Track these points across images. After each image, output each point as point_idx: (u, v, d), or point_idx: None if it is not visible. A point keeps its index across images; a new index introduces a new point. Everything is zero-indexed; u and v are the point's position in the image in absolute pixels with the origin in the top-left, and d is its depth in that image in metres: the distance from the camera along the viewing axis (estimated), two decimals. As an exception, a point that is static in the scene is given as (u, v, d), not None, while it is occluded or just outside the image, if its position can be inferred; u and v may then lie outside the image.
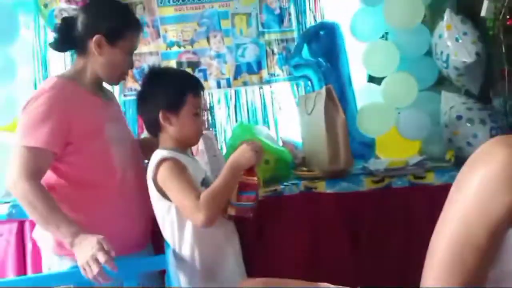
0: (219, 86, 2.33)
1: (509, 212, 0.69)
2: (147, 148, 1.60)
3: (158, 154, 1.44)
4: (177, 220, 1.42)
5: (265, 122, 2.33)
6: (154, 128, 1.49)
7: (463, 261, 0.72)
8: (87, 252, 1.25)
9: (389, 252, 1.76)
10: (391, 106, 2.15)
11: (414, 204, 1.80)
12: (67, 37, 1.49)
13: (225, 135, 2.34)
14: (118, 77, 1.54)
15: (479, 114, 1.95)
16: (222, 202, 1.39)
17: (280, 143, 2.16)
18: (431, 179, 1.83)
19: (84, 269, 1.25)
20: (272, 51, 2.32)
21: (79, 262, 1.27)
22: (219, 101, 2.33)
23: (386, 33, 2.21)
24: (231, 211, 1.45)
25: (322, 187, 1.85)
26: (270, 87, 2.34)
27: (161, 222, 1.47)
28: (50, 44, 1.57)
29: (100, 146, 1.46)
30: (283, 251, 1.73)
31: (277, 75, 2.32)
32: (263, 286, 1.10)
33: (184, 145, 1.50)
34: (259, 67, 2.31)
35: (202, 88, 1.54)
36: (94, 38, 1.44)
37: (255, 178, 1.43)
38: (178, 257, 1.43)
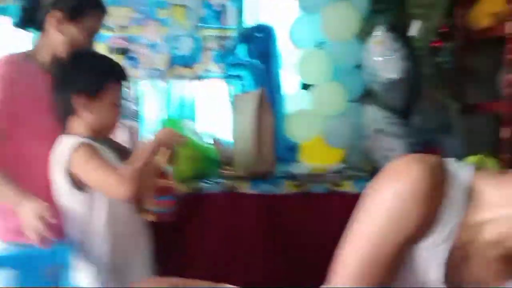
0: (150, 76, 2.26)
1: (417, 228, 0.70)
2: None
3: (69, 141, 1.35)
4: (89, 214, 1.36)
5: (195, 118, 2.29)
6: (65, 112, 1.40)
7: (371, 277, 0.73)
8: (32, 211, 1.24)
9: (303, 254, 1.80)
10: (318, 114, 2.21)
11: (331, 210, 1.85)
12: (29, 14, 1.42)
13: (152, 128, 2.28)
14: None
15: (398, 130, 2.04)
16: (143, 180, 1.34)
17: (210, 141, 2.14)
18: (349, 187, 1.89)
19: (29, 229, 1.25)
20: (208, 47, 2.29)
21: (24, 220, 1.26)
22: (147, 93, 2.27)
23: (322, 42, 2.26)
24: (150, 217, 1.41)
25: (245, 187, 1.86)
26: (203, 83, 2.32)
27: (69, 216, 1.39)
28: (14, 23, 1.48)
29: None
30: (200, 249, 1.71)
31: (212, 72, 2.30)
32: (160, 286, 1.07)
33: (97, 134, 1.41)
34: (194, 61, 2.27)
35: (125, 77, 1.47)
36: (53, 14, 1.37)
37: (171, 182, 1.40)
38: (83, 253, 1.37)
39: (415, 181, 0.68)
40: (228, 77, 2.29)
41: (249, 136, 1.94)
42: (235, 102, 2.10)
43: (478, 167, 0.74)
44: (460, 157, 1.95)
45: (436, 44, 2.17)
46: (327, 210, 1.85)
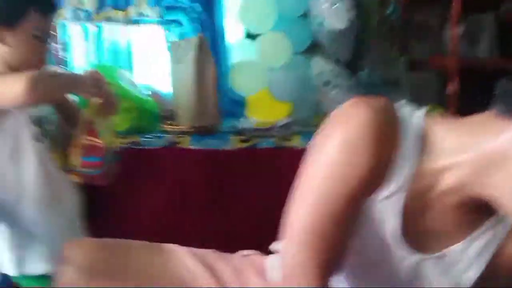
0: (77, 18, 2.00)
1: (370, 177, 0.63)
2: None
3: None
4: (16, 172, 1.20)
5: (131, 67, 2.08)
6: None
7: (322, 233, 0.66)
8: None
9: (251, 211, 1.72)
10: (264, 65, 2.09)
11: (279, 165, 1.77)
12: None
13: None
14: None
15: (346, 82, 1.99)
16: (50, 88, 1.18)
17: (147, 92, 1.95)
18: (297, 142, 1.82)
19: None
20: (143, -13, 2.05)
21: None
22: (76, 37, 2.00)
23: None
24: (76, 178, 1.25)
25: (186, 142, 1.72)
26: (138, 28, 2.09)
27: None
28: None
29: None
30: (140, 208, 1.58)
31: (147, 16, 2.07)
32: (94, 247, 0.96)
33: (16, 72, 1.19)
34: (127, 3, 2.03)
35: (52, 7, 1.25)
36: None
37: (99, 141, 1.24)
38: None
39: (364, 125, 0.62)
40: (165, 22, 2.08)
41: (189, 87, 1.80)
42: (172, 49, 1.93)
43: (429, 113, 0.68)
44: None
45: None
46: (275, 166, 1.77)
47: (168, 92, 1.95)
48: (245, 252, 1.07)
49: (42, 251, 1.23)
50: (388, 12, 2.05)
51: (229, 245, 1.12)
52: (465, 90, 1.82)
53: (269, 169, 1.76)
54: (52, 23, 1.26)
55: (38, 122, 1.23)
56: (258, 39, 2.10)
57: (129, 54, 2.07)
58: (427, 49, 2.13)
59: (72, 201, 1.31)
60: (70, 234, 1.25)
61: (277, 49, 2.08)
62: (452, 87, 1.75)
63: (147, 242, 1.11)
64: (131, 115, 1.73)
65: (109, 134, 1.31)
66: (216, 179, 1.70)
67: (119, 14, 2.00)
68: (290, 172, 1.75)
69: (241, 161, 1.74)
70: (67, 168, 1.26)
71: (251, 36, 2.18)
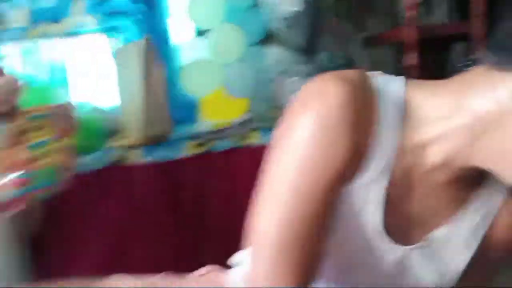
0: (10, 38, 1.87)
1: (346, 163, 0.53)
2: None
3: None
4: None
5: (68, 83, 1.94)
6: None
7: (297, 236, 0.54)
8: None
9: (213, 220, 1.62)
10: (218, 62, 1.98)
11: (238, 166, 1.67)
12: None
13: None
14: None
15: (305, 69, 1.88)
16: None
17: (89, 109, 1.83)
18: (256, 138, 1.72)
19: None
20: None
21: None
22: (10, 57, 1.87)
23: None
24: None
25: (138, 156, 1.62)
26: (77, 39, 1.97)
27: None
28: None
29: None
30: (87, 240, 1.46)
31: (86, 26, 1.95)
32: None
33: None
34: (62, 15, 1.90)
35: None
36: None
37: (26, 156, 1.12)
38: None
39: (336, 105, 0.52)
40: (106, 30, 1.95)
41: (137, 94, 1.69)
42: (117, 56, 1.82)
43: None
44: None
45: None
46: (235, 167, 1.67)
47: (115, 106, 1.83)
48: (203, 269, 0.97)
49: None
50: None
51: (191, 263, 1.03)
52: (425, 61, 1.72)
53: (228, 171, 1.66)
54: None
55: None
56: (209, 34, 1.99)
57: (67, 70, 1.94)
58: (380, 23, 2.03)
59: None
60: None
61: (230, 43, 1.98)
62: (409, 59, 1.64)
63: (83, 279, 1.01)
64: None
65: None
66: (173, 193, 1.60)
67: (54, 27, 1.88)
68: (251, 171, 1.67)
69: (198, 168, 1.63)
70: None
71: (202, 33, 2.07)
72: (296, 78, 1.89)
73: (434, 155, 0.55)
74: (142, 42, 1.73)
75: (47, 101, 1.64)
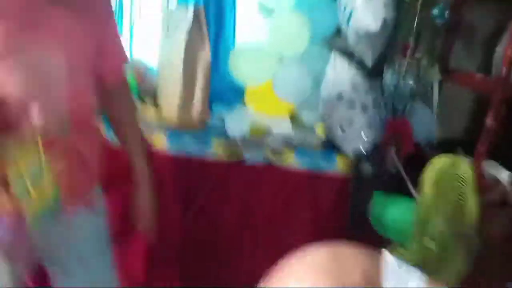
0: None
1: None
2: None
3: None
4: None
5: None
6: None
7: None
8: None
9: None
10: (274, 53, 1.75)
11: (267, 183, 1.48)
12: None
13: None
14: None
15: (363, 98, 1.63)
16: None
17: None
18: (290, 160, 1.51)
19: None
20: None
21: None
22: None
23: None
24: None
25: (160, 139, 1.44)
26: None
27: None
28: None
29: None
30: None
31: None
32: None
33: None
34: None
35: None
36: None
37: None
38: None
39: None
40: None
41: (175, 68, 1.48)
42: (164, 18, 1.61)
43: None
44: (432, 134, 1.60)
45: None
46: (262, 184, 1.48)
47: (153, 67, 1.65)
48: None
49: None
50: (434, 13, 1.67)
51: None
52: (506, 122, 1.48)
53: (254, 185, 1.48)
54: None
55: None
56: (273, 17, 1.75)
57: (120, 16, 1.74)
58: (470, 61, 1.76)
59: None
60: None
61: (292, 32, 1.73)
62: (493, 116, 1.40)
63: None
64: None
65: None
66: (187, 193, 1.43)
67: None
68: (273, 195, 1.47)
69: (221, 173, 1.45)
70: None
71: (265, 10, 1.83)
72: (349, 107, 1.64)
73: None
74: (190, 10, 1.49)
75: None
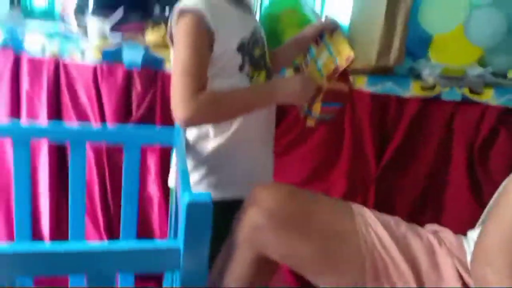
0: None
1: None
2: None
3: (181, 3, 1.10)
4: None
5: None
6: None
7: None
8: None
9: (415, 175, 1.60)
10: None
11: (466, 122, 1.57)
12: None
13: (261, 1, 2.00)
14: None
15: None
16: (220, 118, 1.12)
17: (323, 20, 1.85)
18: (489, 96, 1.58)
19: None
20: None
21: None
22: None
23: None
24: (310, 123, 1.19)
25: (362, 83, 1.61)
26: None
27: None
28: None
29: None
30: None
31: None
32: (282, 195, 0.96)
33: None
34: None
35: None
36: None
37: (344, 86, 1.16)
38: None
39: None
40: None
41: (372, 22, 1.63)
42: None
43: None
44: None
45: None
46: (462, 123, 1.57)
47: (344, 25, 1.81)
48: (435, 227, 1.00)
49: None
50: None
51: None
52: None
53: (454, 126, 1.57)
54: None
55: (244, 47, 1.15)
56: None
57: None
58: None
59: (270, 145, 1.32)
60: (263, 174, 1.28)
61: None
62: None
63: (336, 198, 1.09)
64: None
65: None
66: (384, 128, 1.59)
67: None
68: (478, 133, 1.56)
69: (420, 111, 1.58)
70: (301, 110, 1.22)
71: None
72: None
73: None
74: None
75: (291, 6, 1.70)
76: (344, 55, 1.13)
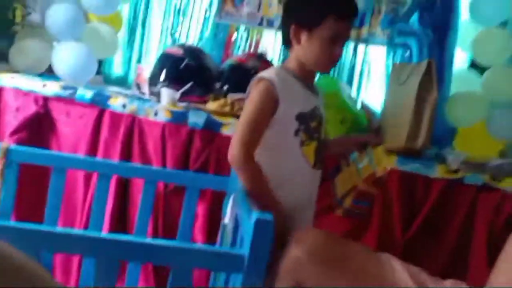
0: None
1: None
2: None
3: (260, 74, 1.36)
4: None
5: (350, 81, 2.25)
6: (286, 44, 1.40)
7: None
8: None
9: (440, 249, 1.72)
10: (486, 98, 2.03)
11: (486, 206, 1.71)
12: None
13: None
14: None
15: None
16: (244, 180, 1.28)
17: (359, 106, 2.10)
18: (509, 184, 1.73)
19: None
20: (379, 9, 2.19)
21: None
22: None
23: (506, 21, 2.03)
24: (339, 212, 1.43)
25: (392, 162, 1.80)
26: (366, 46, 2.24)
27: None
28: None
29: None
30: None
31: (377, 36, 2.21)
32: (321, 236, 1.10)
33: (307, 72, 1.38)
34: (361, 22, 2.19)
35: (351, 13, 1.35)
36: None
37: (375, 190, 1.38)
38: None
39: None
40: (392, 45, 2.18)
41: (404, 108, 1.85)
42: (394, 70, 2.02)
43: None
44: None
45: None
46: (481, 205, 1.72)
47: (376, 110, 2.05)
48: (454, 282, 1.11)
49: None
50: None
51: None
52: None
53: (475, 207, 1.71)
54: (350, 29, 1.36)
55: (302, 119, 1.37)
56: (486, 71, 2.05)
57: (353, 69, 2.23)
58: None
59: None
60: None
61: (504, 84, 2.00)
62: None
63: (365, 246, 1.23)
64: (345, 126, 1.89)
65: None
66: (412, 205, 1.75)
67: (352, 32, 2.18)
68: (492, 215, 1.70)
69: (446, 192, 1.74)
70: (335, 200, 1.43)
71: (476, 66, 2.13)
72: None
73: None
74: (425, 63, 1.87)
75: (333, 90, 1.95)
76: (382, 165, 1.34)
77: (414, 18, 2.14)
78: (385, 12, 2.19)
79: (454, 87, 2.14)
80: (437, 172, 1.77)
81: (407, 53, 2.15)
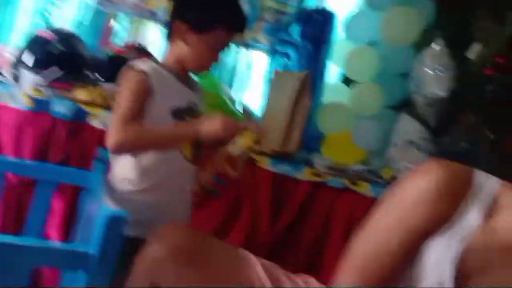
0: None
1: (429, 223, 0.75)
2: None
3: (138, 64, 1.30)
4: None
5: (231, 82, 2.29)
6: (169, 38, 1.36)
7: (378, 263, 0.77)
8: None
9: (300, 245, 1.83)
10: (353, 111, 2.20)
11: (344, 206, 1.85)
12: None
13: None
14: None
15: (429, 146, 2.03)
16: (146, 146, 1.28)
17: (240, 108, 2.15)
18: (365, 189, 1.89)
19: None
20: (263, 16, 2.27)
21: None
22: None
23: (375, 41, 2.23)
24: (195, 188, 1.41)
25: (266, 163, 1.87)
26: (248, 50, 2.31)
27: None
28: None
29: None
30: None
31: (259, 43, 2.28)
32: (184, 233, 1.08)
33: (183, 69, 1.36)
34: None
35: (242, 27, 1.38)
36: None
37: (232, 171, 1.36)
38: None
39: (436, 181, 0.73)
40: (273, 52, 2.27)
41: (280, 115, 1.95)
42: (275, 77, 2.11)
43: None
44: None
45: (488, 73, 2.13)
46: (340, 206, 1.85)
47: (256, 113, 2.12)
48: (306, 278, 1.16)
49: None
50: (486, 89, 2.08)
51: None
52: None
53: (330, 206, 1.85)
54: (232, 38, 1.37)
55: (178, 115, 1.33)
56: (355, 86, 2.22)
57: (234, 72, 2.28)
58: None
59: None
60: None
61: (369, 99, 2.18)
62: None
63: (224, 243, 1.23)
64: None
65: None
66: (278, 203, 1.84)
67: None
68: (349, 215, 1.83)
69: (308, 192, 1.85)
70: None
71: (347, 81, 2.31)
72: (420, 152, 2.03)
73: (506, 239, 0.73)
74: (303, 74, 1.99)
75: (214, 91, 1.97)
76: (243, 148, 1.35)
77: (296, 29, 2.27)
78: (268, 20, 2.28)
79: (326, 98, 2.30)
80: (305, 174, 1.88)
81: (287, 61, 2.26)
